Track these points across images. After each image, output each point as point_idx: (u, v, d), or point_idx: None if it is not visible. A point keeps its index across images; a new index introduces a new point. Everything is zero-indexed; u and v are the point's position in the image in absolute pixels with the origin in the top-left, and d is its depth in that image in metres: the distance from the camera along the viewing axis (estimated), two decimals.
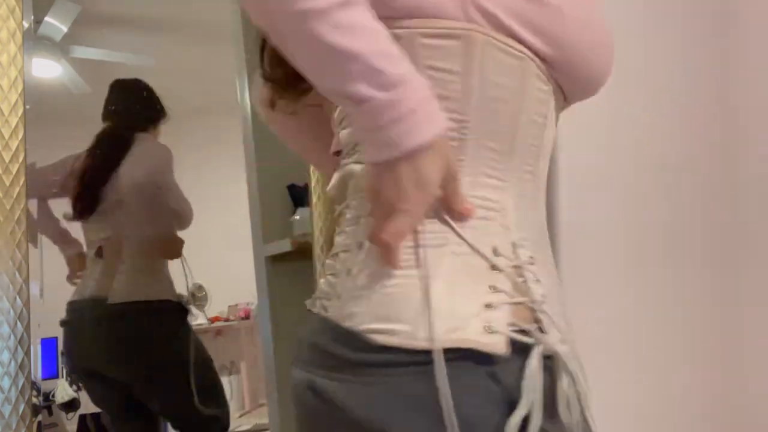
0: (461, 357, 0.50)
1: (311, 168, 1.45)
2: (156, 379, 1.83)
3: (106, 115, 1.99)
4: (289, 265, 1.77)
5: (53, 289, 1.89)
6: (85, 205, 1.85)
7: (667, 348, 1.40)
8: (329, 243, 1.40)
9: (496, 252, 0.55)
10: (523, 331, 0.53)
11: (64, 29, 2.51)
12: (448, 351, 0.49)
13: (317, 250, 1.44)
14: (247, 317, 4.03)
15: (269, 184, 1.84)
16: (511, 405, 0.51)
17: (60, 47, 2.61)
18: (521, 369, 0.51)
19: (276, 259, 1.79)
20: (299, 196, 1.82)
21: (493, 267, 0.54)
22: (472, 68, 0.54)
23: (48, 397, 2.23)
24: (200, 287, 2.84)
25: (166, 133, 2.15)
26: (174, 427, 1.96)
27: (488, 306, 0.52)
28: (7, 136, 0.92)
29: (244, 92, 1.86)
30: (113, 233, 1.86)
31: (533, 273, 0.56)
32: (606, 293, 1.19)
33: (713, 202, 1.46)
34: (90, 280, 1.85)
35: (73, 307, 1.84)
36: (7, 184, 0.92)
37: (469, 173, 0.55)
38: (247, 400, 3.93)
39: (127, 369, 1.80)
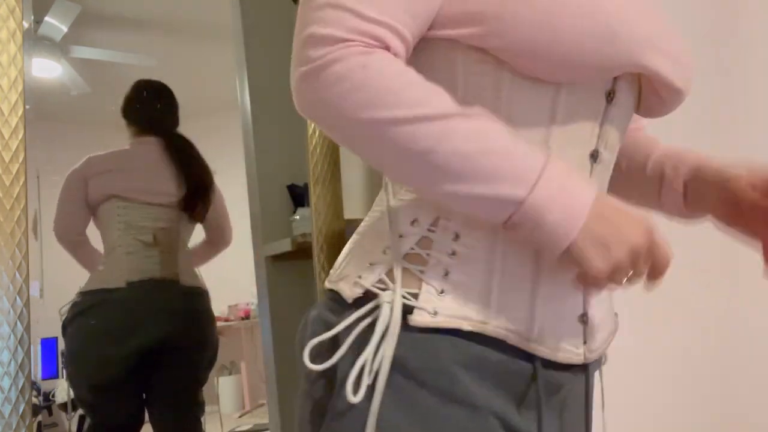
0: None
1: (311, 168, 1.45)
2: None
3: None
4: (289, 265, 1.77)
5: (53, 289, 1.89)
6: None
7: (666, 347, 1.39)
8: (329, 243, 1.40)
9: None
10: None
11: (64, 29, 2.51)
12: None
13: (317, 250, 1.44)
14: (247, 317, 4.02)
15: (269, 184, 1.84)
16: None
17: (60, 47, 2.61)
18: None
19: (276, 259, 1.78)
20: (299, 196, 1.82)
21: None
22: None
23: (48, 397, 2.23)
24: None
25: None
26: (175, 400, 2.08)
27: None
28: (7, 136, 0.92)
29: (244, 92, 1.86)
30: (170, 225, 2.03)
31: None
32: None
33: None
34: (148, 263, 1.97)
35: (132, 286, 1.93)
36: (7, 184, 0.92)
37: None
38: (247, 400, 3.92)
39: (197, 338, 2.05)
